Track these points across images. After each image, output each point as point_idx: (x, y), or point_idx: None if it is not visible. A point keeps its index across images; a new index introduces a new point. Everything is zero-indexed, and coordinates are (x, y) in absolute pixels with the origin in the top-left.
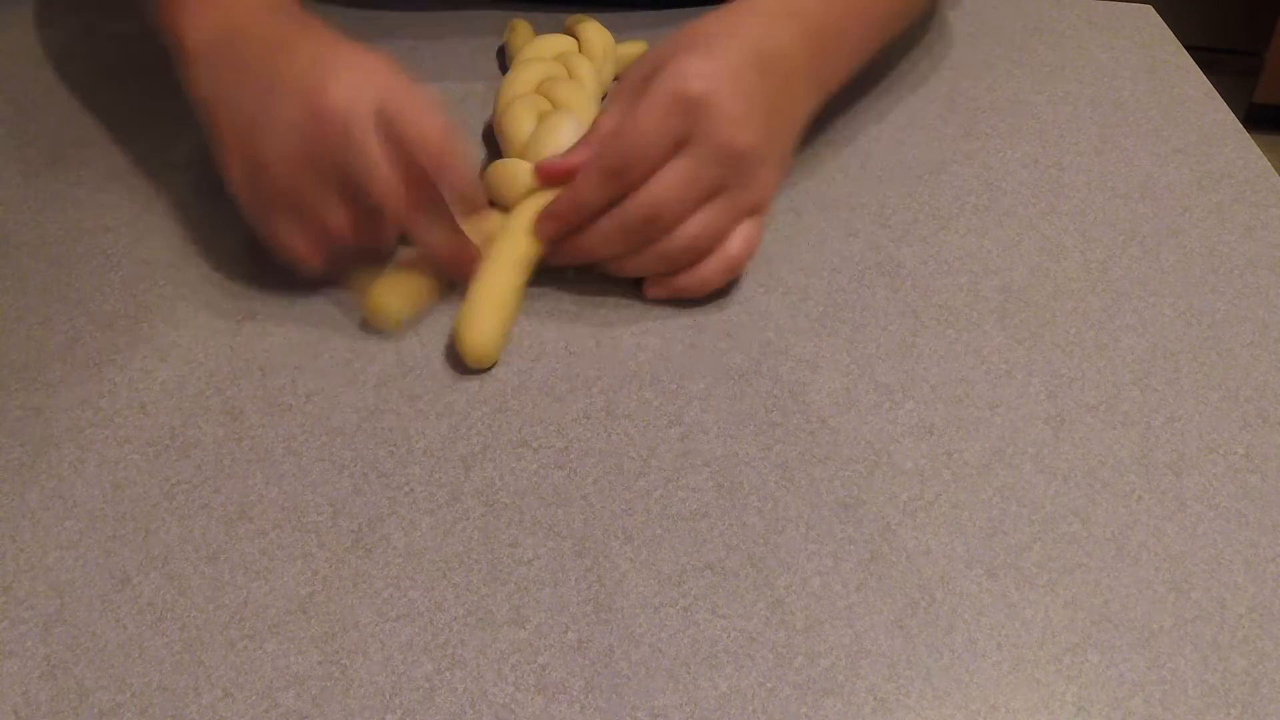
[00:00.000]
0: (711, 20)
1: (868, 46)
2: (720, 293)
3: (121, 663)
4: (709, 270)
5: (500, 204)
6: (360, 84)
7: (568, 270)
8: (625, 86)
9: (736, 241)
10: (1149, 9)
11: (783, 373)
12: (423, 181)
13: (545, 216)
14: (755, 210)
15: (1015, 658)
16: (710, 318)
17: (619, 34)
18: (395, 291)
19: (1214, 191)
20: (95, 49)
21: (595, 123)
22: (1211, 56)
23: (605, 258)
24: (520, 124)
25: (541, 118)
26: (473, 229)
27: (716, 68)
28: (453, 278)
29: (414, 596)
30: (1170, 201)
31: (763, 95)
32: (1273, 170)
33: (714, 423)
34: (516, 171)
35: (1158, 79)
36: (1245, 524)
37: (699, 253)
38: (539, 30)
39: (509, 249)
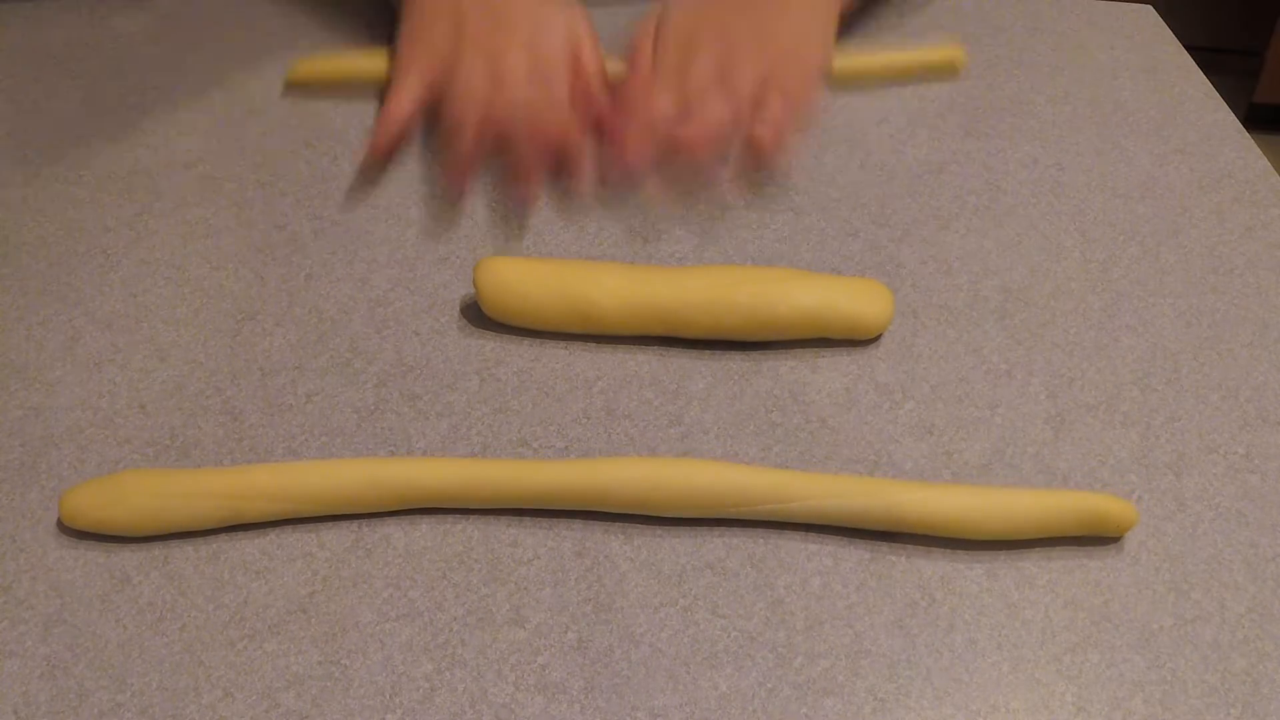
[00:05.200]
0: None
1: None
2: None
3: (121, 663)
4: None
5: None
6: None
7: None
8: None
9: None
10: (1149, 9)
11: (783, 373)
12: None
13: None
14: None
15: (1015, 658)
16: None
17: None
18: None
19: (1214, 191)
20: (95, 49)
21: None
22: (1211, 56)
23: None
24: None
25: None
26: None
27: None
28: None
29: (414, 596)
30: (1170, 201)
31: None
32: (1273, 170)
33: (714, 423)
34: None
35: (1158, 79)
36: (1245, 524)
37: None
38: None
39: None
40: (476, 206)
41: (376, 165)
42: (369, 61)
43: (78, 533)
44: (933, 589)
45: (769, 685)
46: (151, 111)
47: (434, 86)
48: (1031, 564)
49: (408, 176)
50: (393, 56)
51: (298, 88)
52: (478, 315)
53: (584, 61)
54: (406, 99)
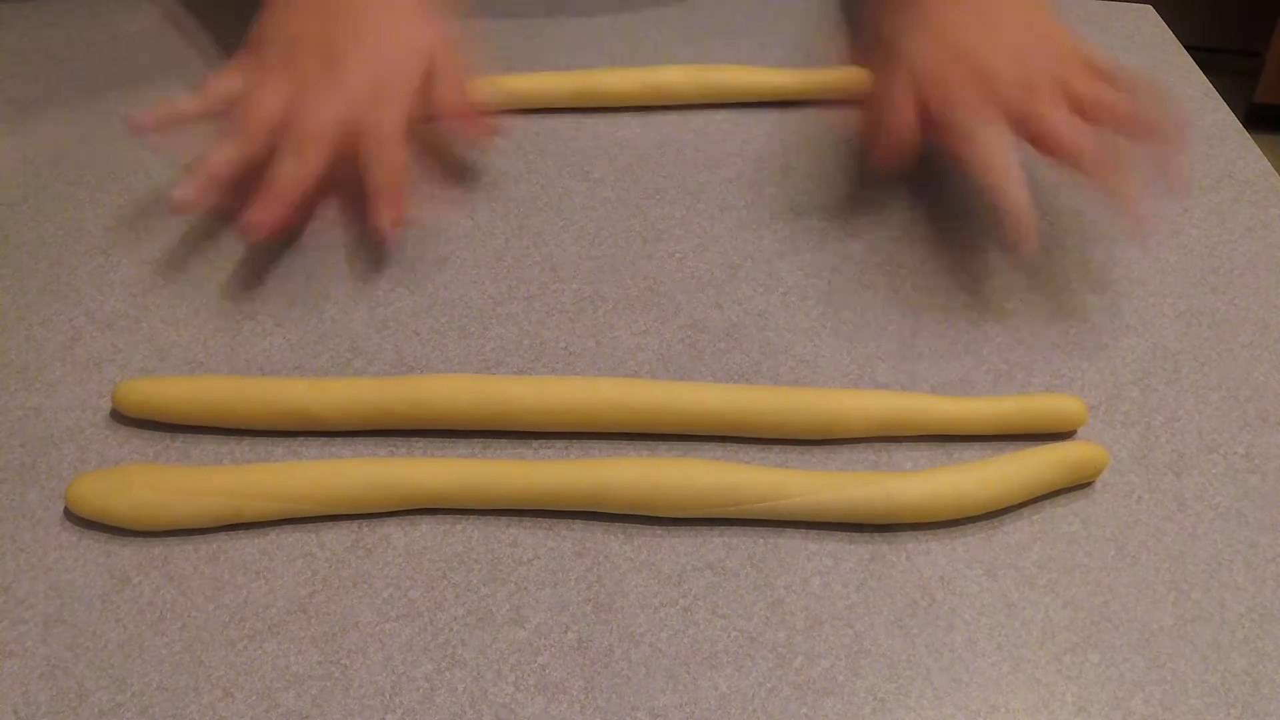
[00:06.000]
0: None
1: None
2: (720, 292)
3: (121, 663)
4: None
5: None
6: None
7: None
8: None
9: None
10: (1149, 9)
11: (783, 373)
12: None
13: None
14: None
15: (1015, 658)
16: (710, 317)
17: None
18: None
19: (1214, 191)
20: (95, 49)
21: None
22: (1211, 56)
23: None
24: None
25: None
26: None
27: None
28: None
29: (414, 596)
30: (1170, 201)
31: None
32: (1273, 170)
33: None
34: None
35: (1158, 79)
36: (1245, 524)
37: None
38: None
39: None
40: (476, 206)
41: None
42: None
43: (78, 532)
44: (933, 589)
45: (769, 685)
46: None
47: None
48: (1032, 564)
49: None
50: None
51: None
52: (477, 315)
53: (439, 78)
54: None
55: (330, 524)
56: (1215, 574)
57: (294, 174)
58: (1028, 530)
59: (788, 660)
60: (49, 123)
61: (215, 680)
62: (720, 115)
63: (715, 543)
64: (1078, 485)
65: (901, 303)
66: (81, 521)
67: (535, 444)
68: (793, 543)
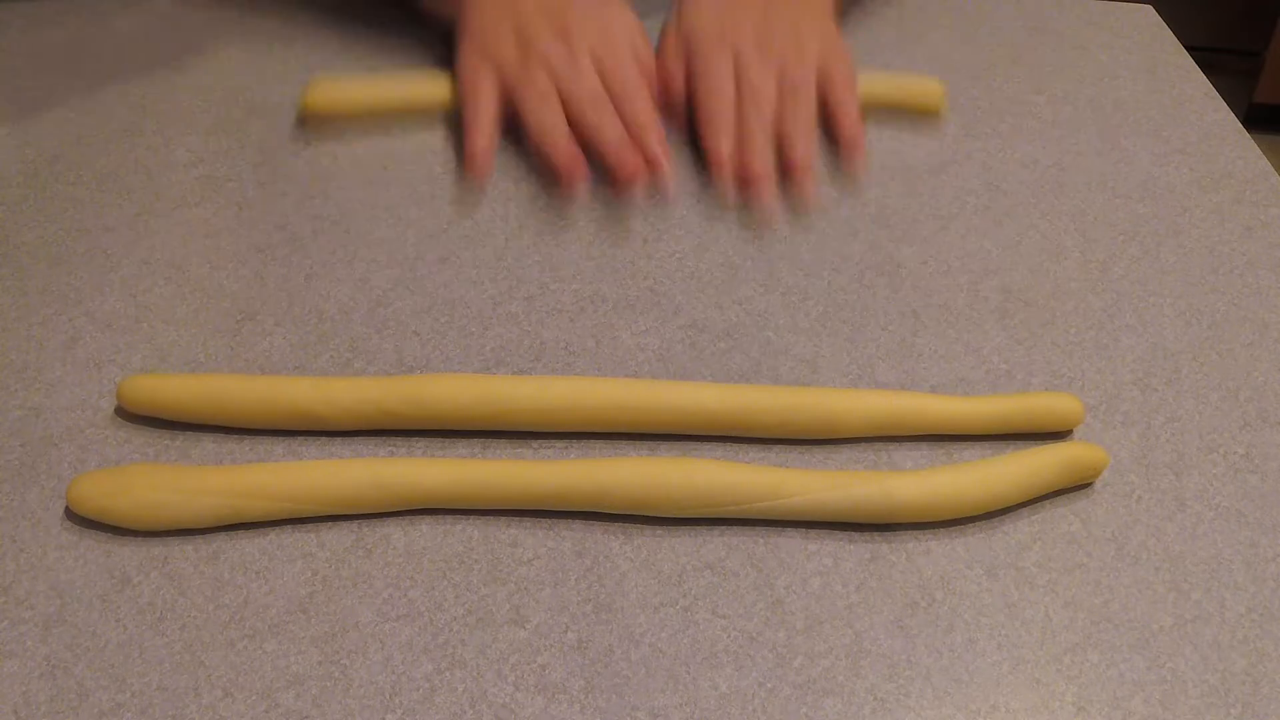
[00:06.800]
0: None
1: None
2: (720, 292)
3: (121, 663)
4: None
5: None
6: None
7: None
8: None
9: None
10: (1149, 9)
11: (783, 373)
12: None
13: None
14: None
15: (1015, 658)
16: (710, 317)
17: None
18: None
19: (1214, 191)
20: (95, 49)
21: None
22: (1211, 56)
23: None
24: None
25: None
26: None
27: None
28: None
29: (414, 596)
30: (1170, 201)
31: None
32: (1273, 170)
33: None
34: None
35: (1158, 79)
36: (1245, 524)
37: None
38: None
39: None
40: (477, 206)
41: (476, 192)
42: (395, 87)
43: (78, 532)
44: (933, 589)
45: (769, 685)
46: (151, 111)
47: (506, 104)
48: (1032, 564)
49: (409, 177)
50: (455, 73)
51: (316, 117)
52: (477, 315)
53: (645, 68)
54: (485, 133)
55: (330, 524)
56: (1215, 574)
57: (613, 129)
58: (1028, 530)
59: (788, 660)
60: (49, 123)
61: (215, 680)
62: None
63: (715, 543)
64: (1078, 485)
65: (901, 303)
66: (81, 521)
67: (535, 444)
68: (793, 543)
